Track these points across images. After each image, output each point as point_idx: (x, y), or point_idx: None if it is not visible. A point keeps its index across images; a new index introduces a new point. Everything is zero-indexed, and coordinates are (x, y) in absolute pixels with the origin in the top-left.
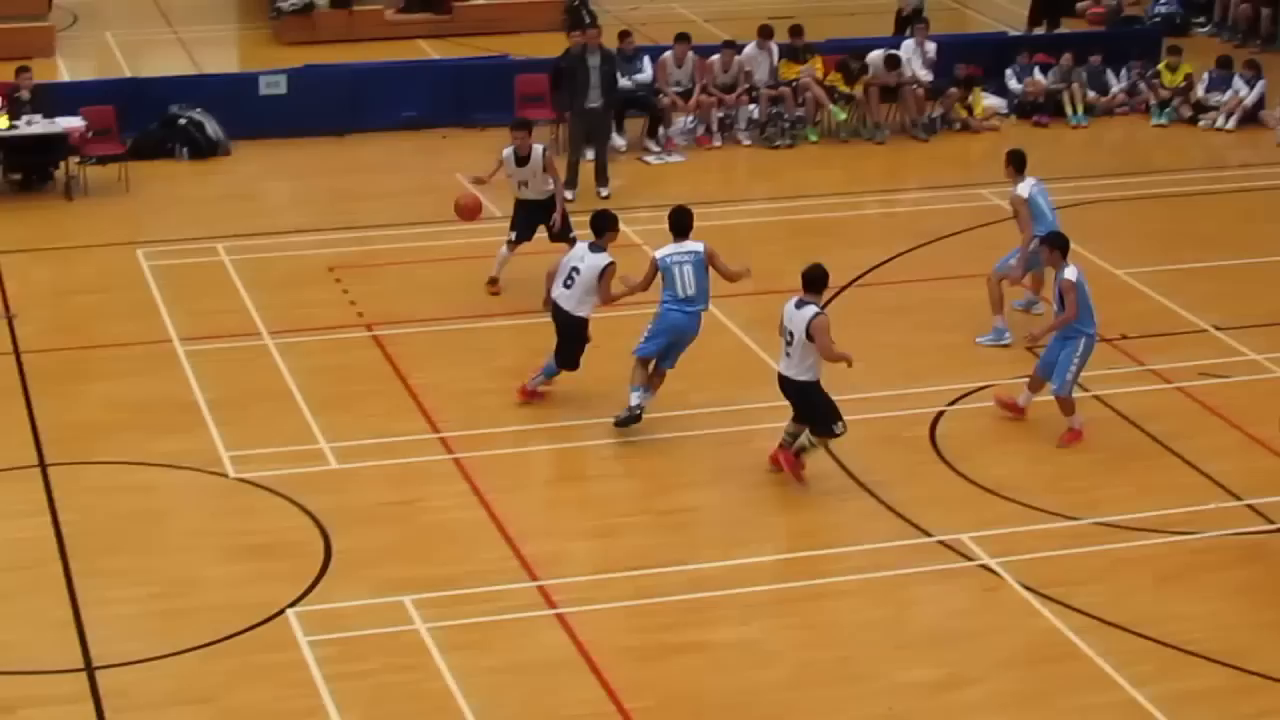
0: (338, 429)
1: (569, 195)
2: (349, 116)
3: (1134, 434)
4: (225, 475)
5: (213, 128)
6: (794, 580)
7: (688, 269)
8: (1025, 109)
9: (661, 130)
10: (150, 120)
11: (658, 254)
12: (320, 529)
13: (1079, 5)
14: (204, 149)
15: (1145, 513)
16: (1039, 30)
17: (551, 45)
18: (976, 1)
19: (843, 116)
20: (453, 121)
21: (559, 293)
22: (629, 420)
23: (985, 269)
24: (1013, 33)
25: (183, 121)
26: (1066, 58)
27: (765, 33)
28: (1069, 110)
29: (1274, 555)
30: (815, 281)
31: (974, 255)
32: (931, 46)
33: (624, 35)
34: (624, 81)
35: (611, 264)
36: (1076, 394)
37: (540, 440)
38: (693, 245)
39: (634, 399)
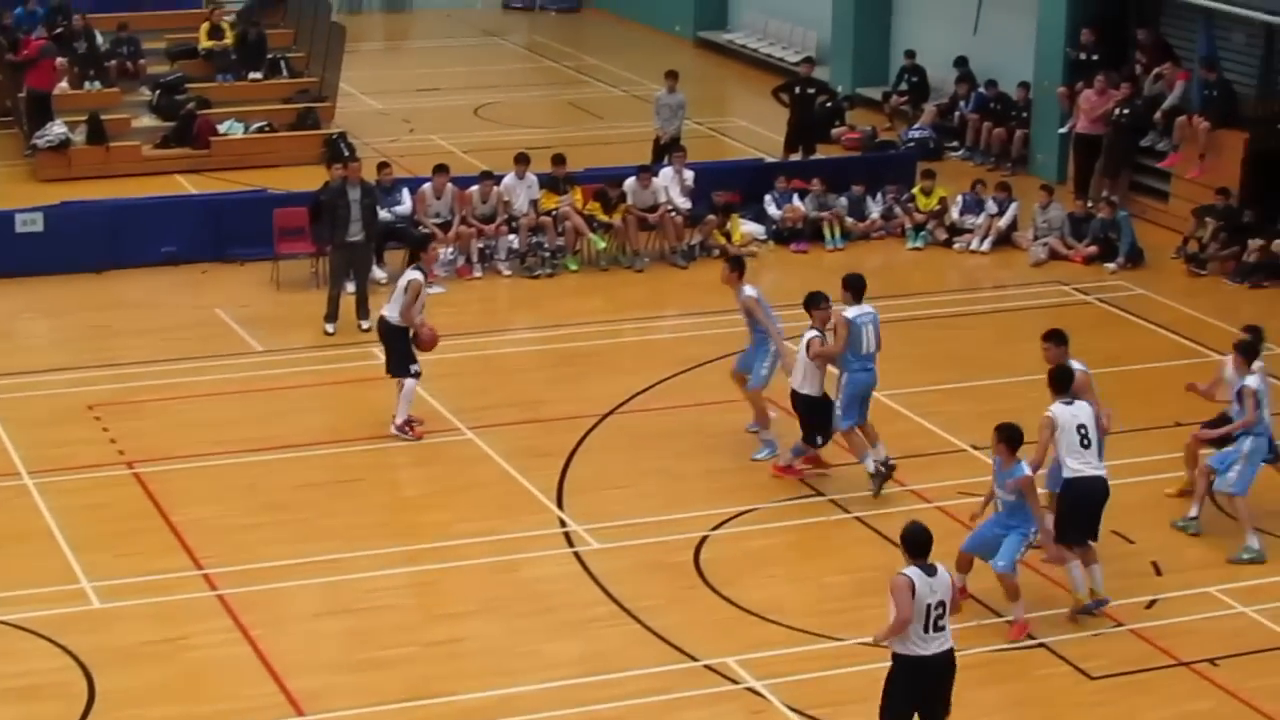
0: (100, 568)
1: (329, 329)
2: (107, 253)
3: (895, 554)
4: None
5: None
6: (564, 709)
7: (871, 329)
8: (783, 235)
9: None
10: None
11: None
12: (83, 670)
13: (834, 131)
14: None
15: None
16: (795, 157)
17: (310, 179)
18: (733, 129)
19: (602, 245)
20: (212, 256)
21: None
22: (884, 475)
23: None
24: (769, 159)
25: None
26: (818, 184)
27: (523, 161)
28: (827, 235)
29: (1034, 670)
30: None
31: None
32: (689, 174)
33: (383, 167)
34: (384, 213)
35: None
36: (835, 516)
37: (306, 574)
38: (869, 308)
39: (869, 463)
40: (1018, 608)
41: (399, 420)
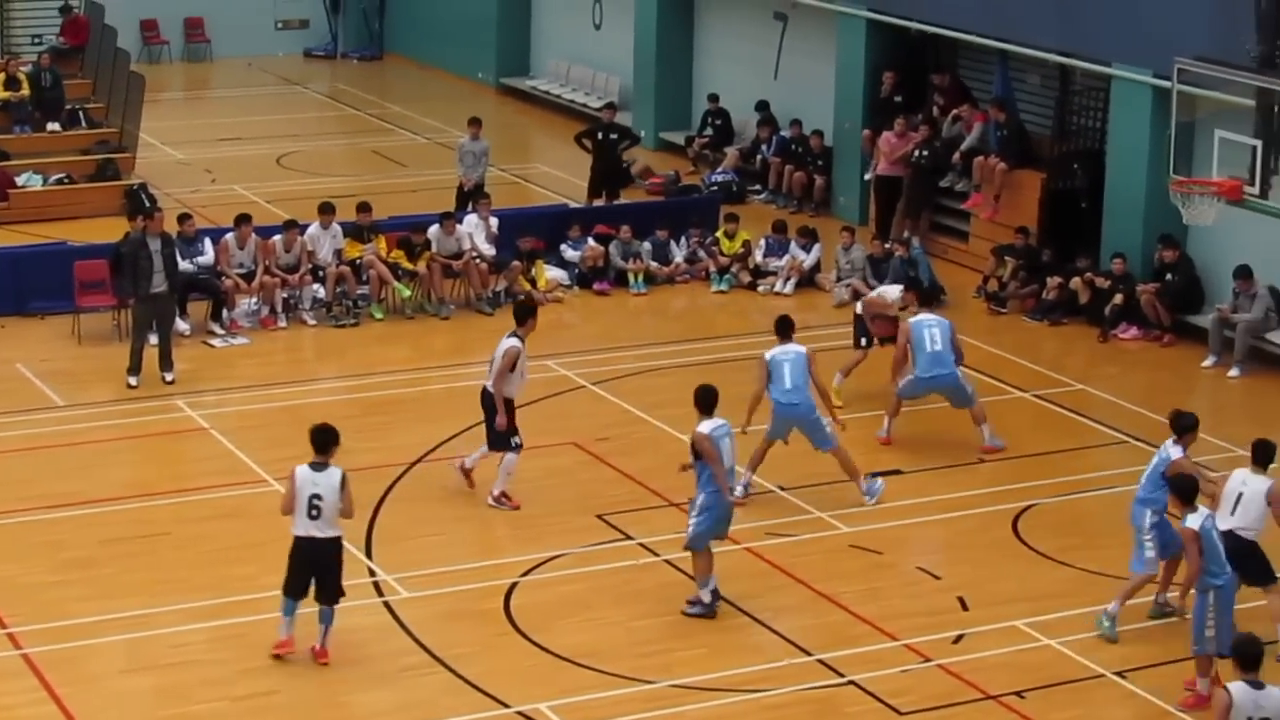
0: None
1: (132, 382)
2: None
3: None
4: None
5: None
6: None
7: (727, 442)
8: (586, 279)
9: (225, 313)
10: None
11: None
12: None
13: (634, 170)
14: None
15: (719, 673)
16: (599, 202)
17: (111, 230)
18: (537, 176)
19: (407, 293)
20: (11, 310)
21: None
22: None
23: (555, 439)
24: (573, 205)
25: None
26: (626, 231)
27: (327, 211)
28: (631, 280)
29: (844, 707)
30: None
31: (542, 426)
32: (494, 221)
33: (184, 218)
34: (186, 264)
35: None
36: (644, 559)
37: (112, 630)
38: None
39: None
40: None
41: (496, 491)
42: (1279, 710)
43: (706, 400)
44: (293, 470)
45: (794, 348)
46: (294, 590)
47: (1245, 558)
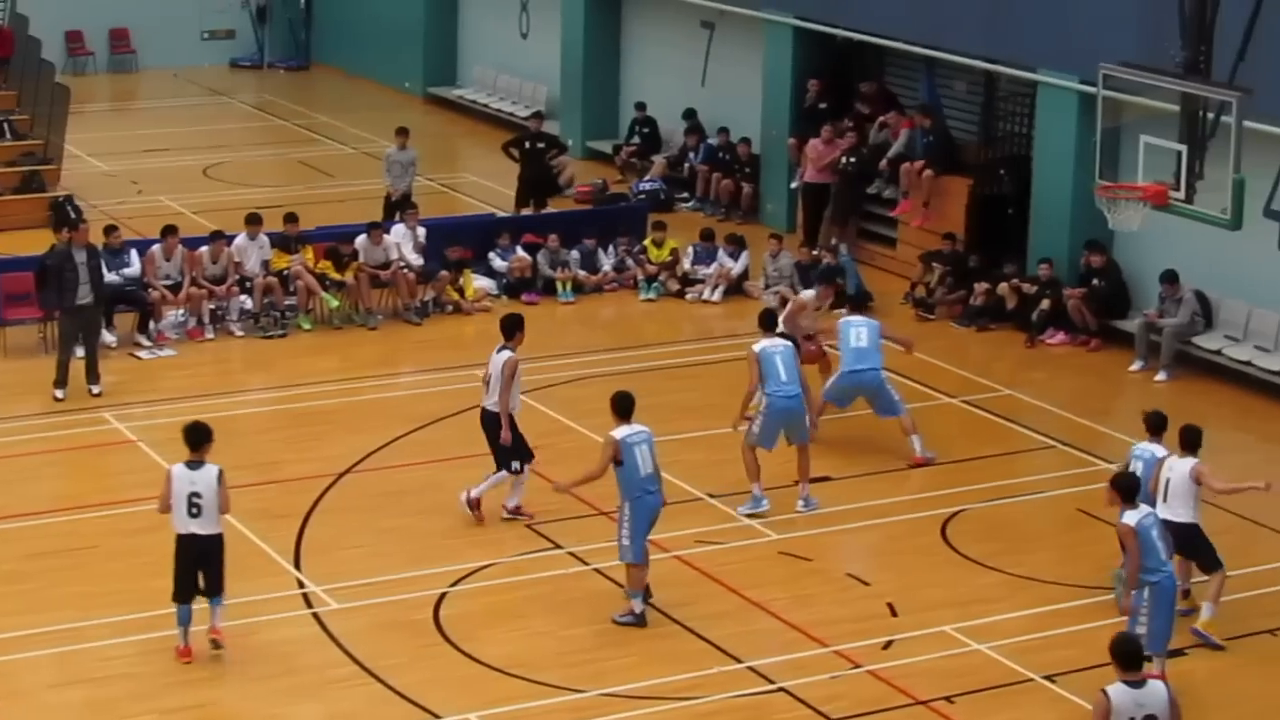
0: None
1: (59, 395)
2: None
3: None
4: None
5: None
6: None
7: (645, 449)
8: (514, 288)
9: (152, 324)
10: None
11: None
12: None
13: (561, 181)
14: None
15: (649, 681)
16: (527, 211)
17: (37, 242)
18: (464, 185)
19: (335, 304)
20: None
21: None
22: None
23: (484, 448)
24: (501, 214)
25: None
26: (553, 239)
27: (255, 222)
28: (559, 289)
29: (775, 714)
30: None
31: (470, 436)
32: (422, 231)
33: (110, 230)
34: (112, 276)
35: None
36: (574, 568)
37: (40, 644)
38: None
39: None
40: None
41: (510, 505)
42: (1162, 705)
43: (623, 406)
44: (169, 469)
45: (781, 341)
46: (184, 594)
47: (1191, 545)
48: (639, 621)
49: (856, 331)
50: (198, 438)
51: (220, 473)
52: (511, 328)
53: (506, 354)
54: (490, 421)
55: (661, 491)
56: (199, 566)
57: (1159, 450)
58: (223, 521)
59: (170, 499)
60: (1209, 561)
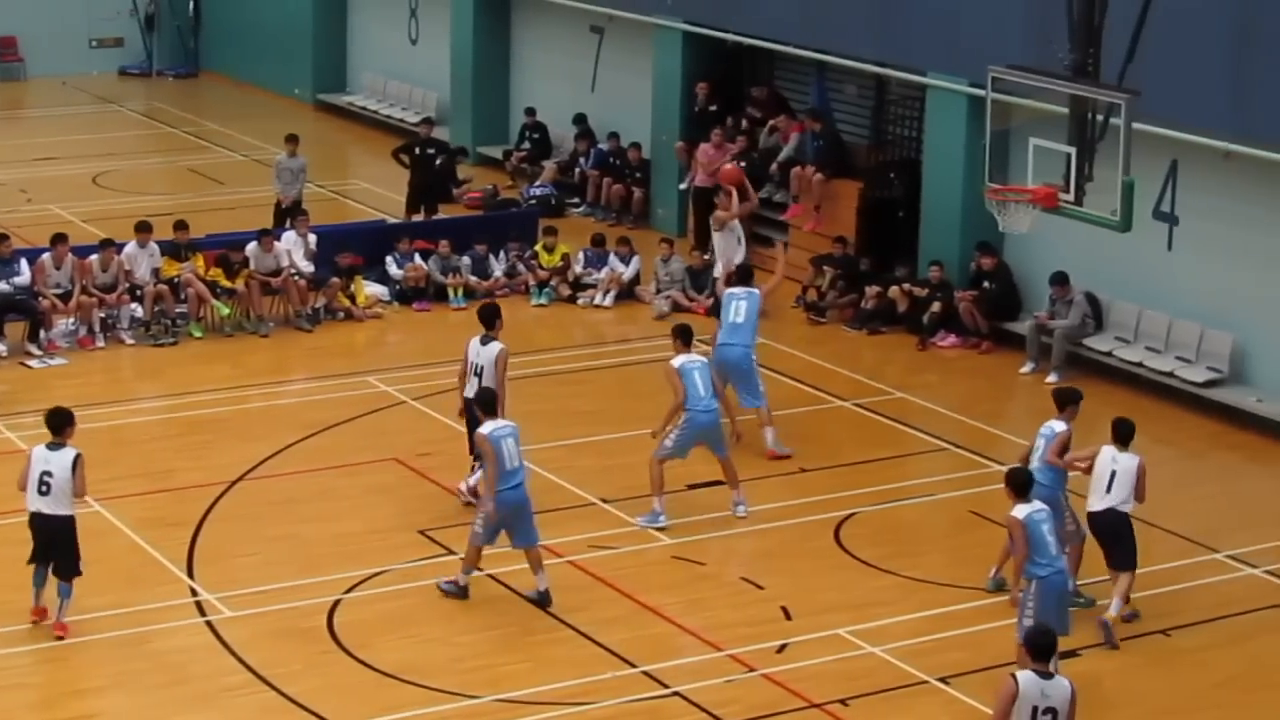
0: None
1: None
2: None
3: (528, 609)
4: None
5: None
6: None
7: (510, 443)
8: (406, 295)
9: (42, 333)
10: None
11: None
12: None
13: (456, 191)
14: None
15: (543, 686)
16: (418, 217)
17: None
18: (355, 191)
19: (226, 311)
20: None
21: None
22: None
23: (376, 455)
24: (391, 221)
25: None
26: (445, 246)
27: (144, 229)
28: (451, 295)
29: (670, 719)
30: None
31: (362, 443)
32: (312, 238)
33: (0, 239)
34: (2, 285)
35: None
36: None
37: None
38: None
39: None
40: None
41: (471, 483)
42: (1065, 700)
43: (488, 403)
44: (30, 450)
45: (698, 356)
46: (38, 558)
47: (1117, 537)
48: (461, 593)
49: (737, 305)
50: (59, 421)
51: (78, 456)
52: (491, 317)
53: (496, 345)
54: (472, 412)
55: (524, 486)
56: (49, 550)
57: (1058, 425)
58: (75, 505)
59: (26, 477)
60: (1127, 557)
